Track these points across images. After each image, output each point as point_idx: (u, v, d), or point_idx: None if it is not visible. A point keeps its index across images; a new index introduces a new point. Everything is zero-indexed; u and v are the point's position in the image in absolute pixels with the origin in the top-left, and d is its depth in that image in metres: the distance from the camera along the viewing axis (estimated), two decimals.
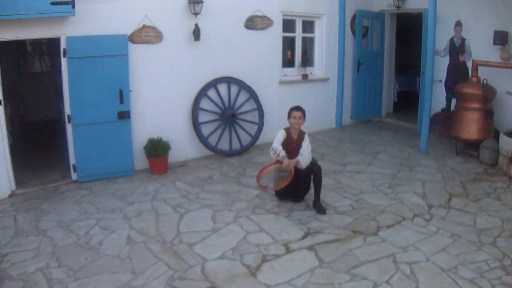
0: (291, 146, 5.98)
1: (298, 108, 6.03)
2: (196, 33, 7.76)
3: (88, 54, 6.71)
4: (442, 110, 9.86)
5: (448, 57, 9.62)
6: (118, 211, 6.01)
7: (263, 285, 4.30)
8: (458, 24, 9.23)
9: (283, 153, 5.86)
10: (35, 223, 5.60)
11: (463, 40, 9.23)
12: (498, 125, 8.28)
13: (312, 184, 6.08)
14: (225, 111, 8.39)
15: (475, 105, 7.98)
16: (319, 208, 5.95)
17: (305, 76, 9.85)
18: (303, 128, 6.10)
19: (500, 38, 8.32)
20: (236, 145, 8.55)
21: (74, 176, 7.07)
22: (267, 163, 6.17)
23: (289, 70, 9.80)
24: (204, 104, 8.20)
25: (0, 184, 6.39)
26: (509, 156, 7.25)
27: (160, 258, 4.79)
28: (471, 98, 8.00)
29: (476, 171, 7.52)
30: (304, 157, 5.85)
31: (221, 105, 8.38)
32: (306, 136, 6.04)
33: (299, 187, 6.10)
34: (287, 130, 6.08)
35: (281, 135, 6.02)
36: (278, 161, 5.88)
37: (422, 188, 6.76)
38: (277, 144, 5.92)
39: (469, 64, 8.89)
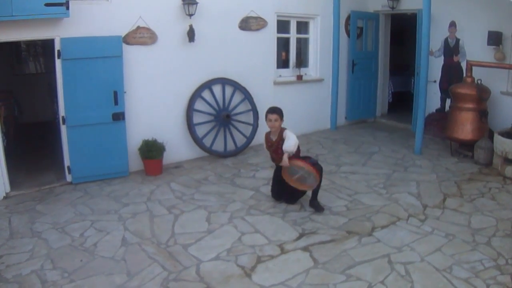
0: (273, 147, 6.03)
1: (273, 111, 5.98)
2: (191, 34, 7.75)
3: (83, 55, 6.70)
4: (437, 110, 9.90)
5: (442, 57, 9.64)
6: (113, 212, 6.00)
7: (258, 286, 4.31)
8: (452, 25, 9.26)
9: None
10: (30, 225, 5.58)
11: (457, 40, 9.27)
12: (493, 125, 8.29)
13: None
14: (220, 112, 8.39)
15: (470, 105, 8.00)
16: (316, 206, 5.96)
17: (299, 77, 9.85)
18: (298, 126, 6.08)
19: (494, 38, 8.34)
20: (230, 146, 8.54)
21: (68, 177, 7.06)
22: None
23: (283, 71, 9.80)
24: (199, 105, 8.20)
25: None
26: (503, 156, 7.27)
27: (155, 259, 4.79)
28: (466, 98, 8.02)
29: (471, 171, 7.54)
30: (287, 145, 5.77)
31: (215, 106, 8.38)
32: (287, 131, 5.92)
33: (296, 189, 6.06)
34: (267, 133, 6.19)
35: (264, 142, 6.25)
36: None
37: (417, 189, 6.78)
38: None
39: (464, 65, 8.94)
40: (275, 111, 5.96)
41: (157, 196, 6.58)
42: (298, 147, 6.03)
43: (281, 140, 5.93)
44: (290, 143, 5.78)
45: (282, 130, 5.99)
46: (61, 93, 6.77)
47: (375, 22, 11.01)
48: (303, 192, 6.16)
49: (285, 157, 5.76)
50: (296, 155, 5.96)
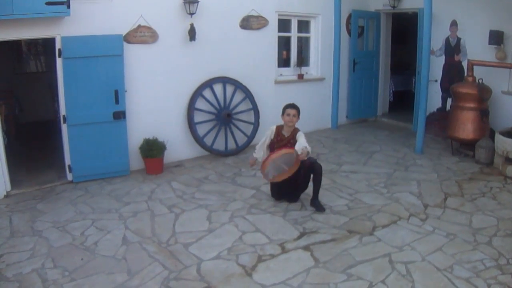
0: (282, 142, 5.97)
1: (293, 106, 5.99)
2: (192, 33, 7.74)
3: (83, 54, 6.69)
4: (438, 109, 9.89)
5: (443, 56, 9.63)
6: (113, 211, 5.99)
7: (259, 285, 4.30)
8: (454, 24, 9.25)
9: (259, 157, 6.09)
10: (31, 224, 5.58)
11: (458, 39, 9.25)
12: (494, 124, 8.29)
13: (309, 183, 6.07)
14: (221, 111, 8.38)
15: (471, 105, 7.99)
16: (317, 206, 5.96)
17: (300, 76, 9.85)
18: (299, 126, 6.08)
19: (495, 37, 8.33)
20: (231, 145, 8.54)
21: (69, 176, 7.06)
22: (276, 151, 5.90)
23: (284, 70, 9.80)
24: (200, 104, 8.19)
25: None
26: (504, 155, 7.27)
27: (156, 258, 4.78)
28: (467, 98, 8.01)
29: (472, 171, 7.54)
30: (307, 147, 5.64)
31: (216, 105, 8.37)
32: (301, 133, 5.95)
33: (297, 186, 6.07)
34: (279, 127, 6.10)
35: (269, 132, 6.10)
36: (286, 147, 5.81)
37: (418, 188, 6.77)
38: (258, 150, 6.17)
39: (465, 64, 8.91)
40: (294, 107, 5.98)
41: (158, 195, 6.58)
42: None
43: (292, 138, 5.94)
44: (308, 148, 5.64)
45: (296, 129, 6.00)
46: (62, 91, 6.76)
47: (376, 21, 11.00)
48: (303, 189, 6.16)
49: (304, 154, 5.50)
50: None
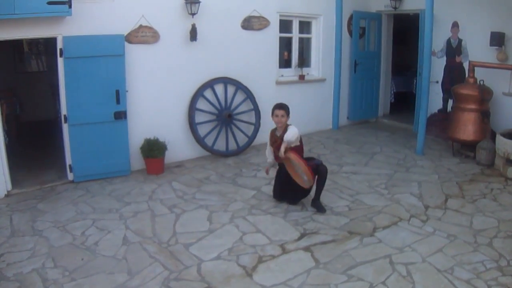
0: (277, 143, 5.99)
1: (280, 106, 5.99)
2: (193, 33, 7.74)
3: (85, 54, 6.68)
4: (439, 111, 9.88)
5: (445, 58, 9.62)
6: (114, 211, 5.99)
7: (259, 286, 4.30)
8: (455, 25, 9.24)
9: (270, 159, 6.27)
10: (31, 224, 5.58)
11: (460, 41, 9.24)
12: (495, 126, 8.29)
13: (311, 189, 6.07)
14: (222, 112, 8.38)
15: (472, 106, 7.99)
16: (318, 207, 5.96)
17: (301, 77, 9.84)
18: (299, 126, 6.08)
19: (496, 39, 8.32)
20: (232, 146, 8.54)
21: (70, 176, 7.05)
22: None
23: (285, 71, 9.79)
24: (201, 104, 8.19)
25: None
26: (505, 157, 7.26)
27: (156, 258, 4.78)
28: (468, 99, 8.01)
29: (473, 172, 7.53)
30: (286, 134, 5.69)
31: (217, 105, 8.37)
32: (290, 126, 5.85)
33: (299, 190, 6.04)
34: (272, 131, 6.20)
35: (268, 140, 6.25)
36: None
37: (419, 189, 6.77)
38: (268, 155, 6.34)
39: (466, 65, 8.90)
40: (282, 107, 5.98)
41: (158, 195, 6.58)
42: (302, 146, 6.05)
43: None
44: (289, 133, 5.70)
45: (287, 126, 5.97)
46: (63, 91, 6.76)
47: (378, 22, 10.99)
48: (305, 194, 6.14)
49: (283, 147, 5.66)
50: (299, 153, 5.90)
